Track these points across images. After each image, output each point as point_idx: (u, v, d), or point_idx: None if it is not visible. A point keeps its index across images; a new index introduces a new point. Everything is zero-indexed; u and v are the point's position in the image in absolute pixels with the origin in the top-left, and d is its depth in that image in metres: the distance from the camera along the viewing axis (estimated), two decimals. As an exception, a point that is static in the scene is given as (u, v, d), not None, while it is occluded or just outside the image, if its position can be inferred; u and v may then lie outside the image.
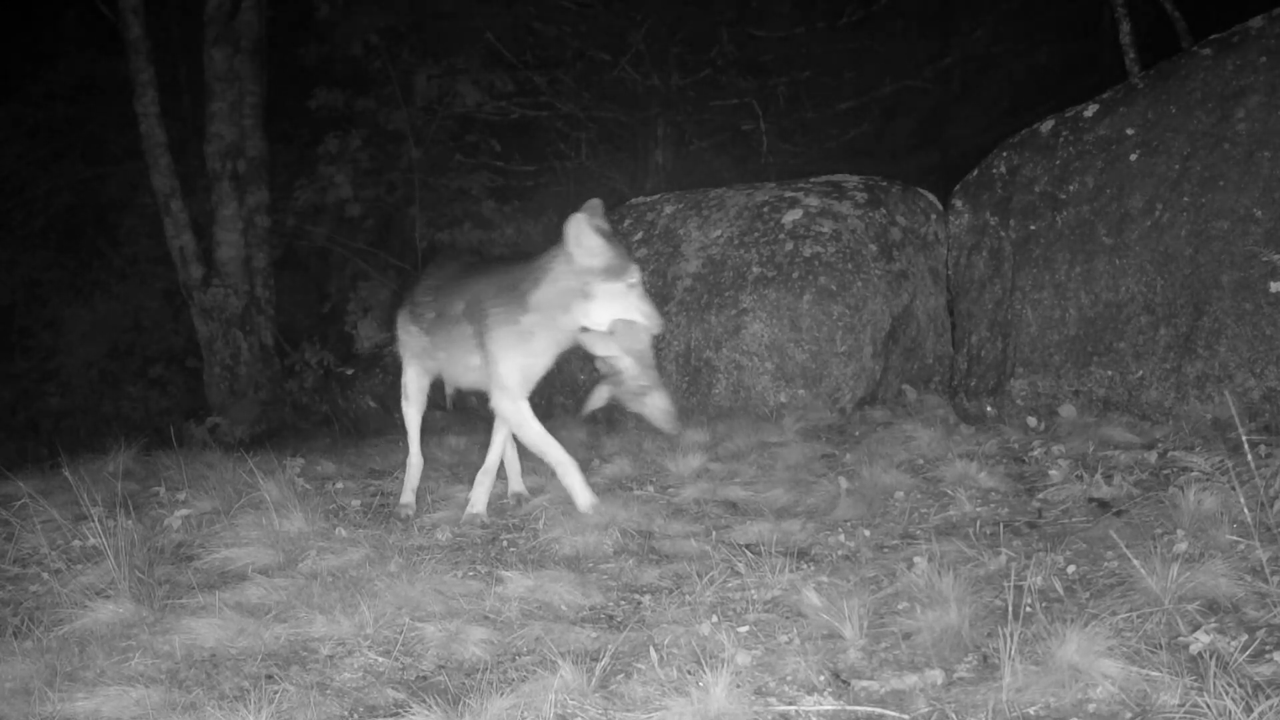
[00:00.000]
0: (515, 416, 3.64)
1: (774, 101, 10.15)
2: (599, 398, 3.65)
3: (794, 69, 10.17)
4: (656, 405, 3.54)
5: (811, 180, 5.64)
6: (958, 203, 5.03)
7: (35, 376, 11.77)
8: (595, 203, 3.54)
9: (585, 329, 3.49)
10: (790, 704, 2.22)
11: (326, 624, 2.73)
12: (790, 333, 4.93)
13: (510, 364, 3.56)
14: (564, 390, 5.42)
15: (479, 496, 3.80)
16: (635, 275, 3.43)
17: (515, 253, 5.16)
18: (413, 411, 4.09)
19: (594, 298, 3.40)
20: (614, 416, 5.23)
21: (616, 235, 3.62)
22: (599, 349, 3.50)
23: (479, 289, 3.64)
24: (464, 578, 3.05)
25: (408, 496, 3.96)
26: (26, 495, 3.83)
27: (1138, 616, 2.38)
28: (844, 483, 3.71)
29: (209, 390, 9.44)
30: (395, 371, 6.91)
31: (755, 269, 5.10)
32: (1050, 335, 4.40)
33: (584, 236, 3.35)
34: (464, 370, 3.79)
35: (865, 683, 2.30)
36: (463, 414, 6.41)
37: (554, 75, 10.18)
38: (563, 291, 3.43)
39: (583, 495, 3.57)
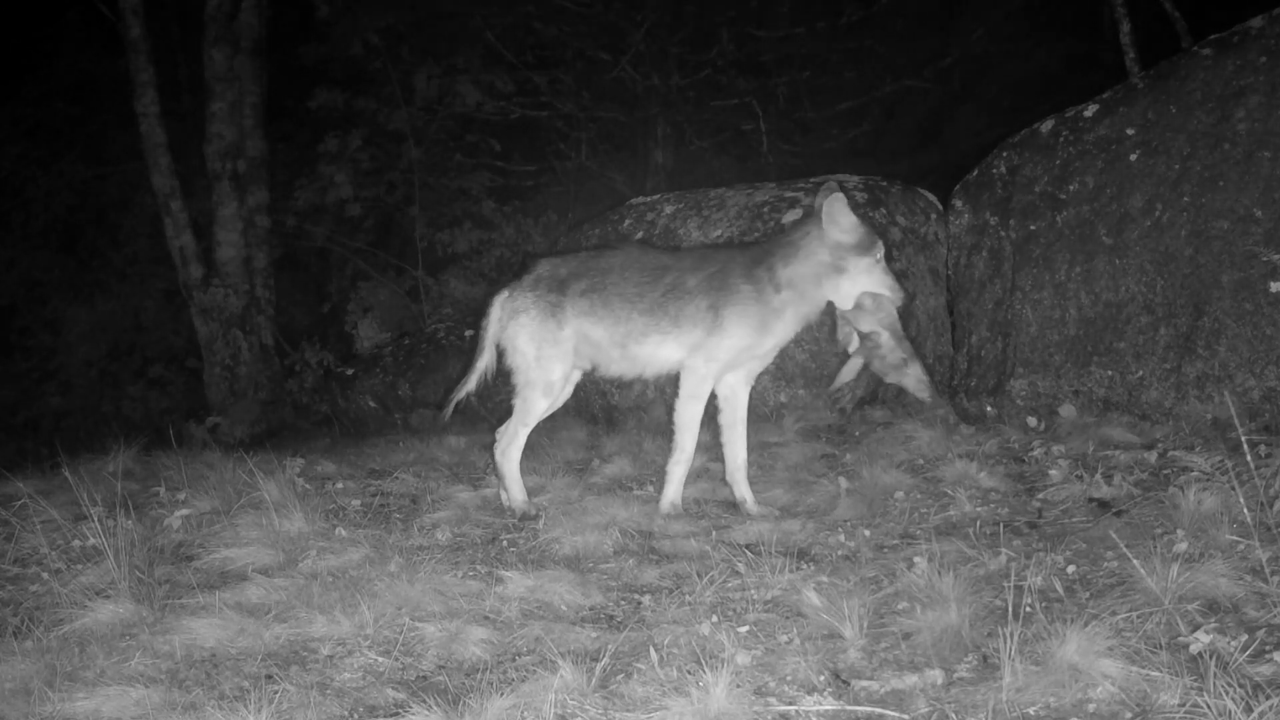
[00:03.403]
0: (700, 391, 3.61)
1: (774, 101, 10.15)
2: (850, 371, 3.77)
3: (794, 69, 10.18)
4: (916, 376, 3.67)
5: (811, 180, 5.64)
6: (958, 203, 5.03)
7: (35, 376, 11.78)
8: (832, 183, 3.65)
9: (844, 306, 3.57)
10: (790, 704, 2.22)
11: (326, 624, 2.73)
12: (790, 333, 4.92)
13: (739, 341, 3.55)
14: (564, 390, 5.41)
15: (744, 494, 3.69)
16: (881, 250, 3.54)
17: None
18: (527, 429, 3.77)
19: (846, 273, 3.50)
20: (614, 416, 5.23)
21: (863, 210, 3.69)
22: (863, 325, 3.60)
23: (717, 263, 3.59)
24: (464, 578, 3.05)
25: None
26: (26, 495, 3.83)
27: (1138, 616, 2.38)
28: (844, 483, 3.72)
29: (209, 390, 9.44)
30: (395, 371, 6.95)
31: (755, 269, 5.09)
32: (1050, 335, 4.40)
33: (841, 214, 3.45)
34: (621, 356, 3.67)
35: (865, 683, 2.30)
36: (463, 414, 6.41)
37: (554, 75, 10.19)
38: (817, 267, 3.50)
39: (675, 493, 3.65)
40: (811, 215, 3.58)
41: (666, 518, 3.58)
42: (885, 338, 3.61)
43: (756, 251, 3.64)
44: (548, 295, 3.67)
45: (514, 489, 3.76)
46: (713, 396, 3.71)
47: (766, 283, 3.52)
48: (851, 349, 3.74)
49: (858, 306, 3.57)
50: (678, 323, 3.57)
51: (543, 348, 3.66)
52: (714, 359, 3.57)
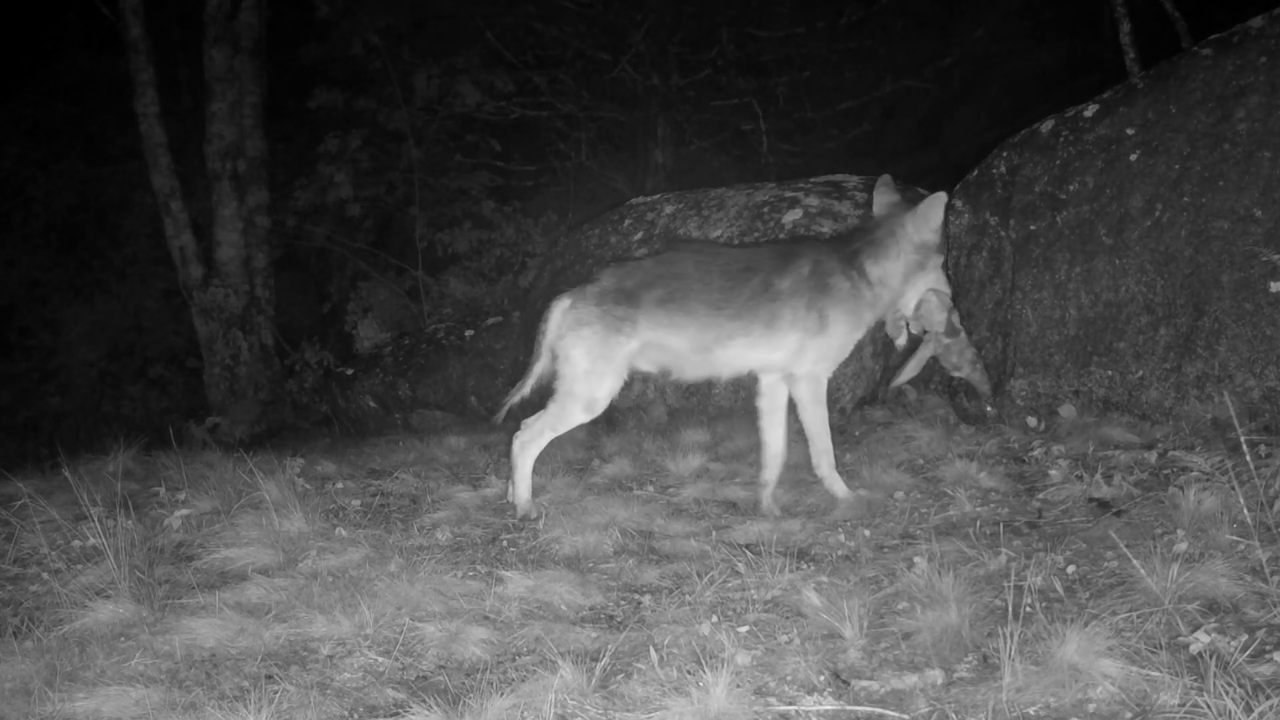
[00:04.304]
0: (822, 394, 3.68)
1: (774, 101, 10.15)
2: (916, 366, 3.91)
3: (794, 69, 10.17)
4: (982, 370, 3.84)
5: (811, 180, 5.64)
6: (958, 203, 5.02)
7: (35, 376, 11.79)
8: (888, 178, 3.77)
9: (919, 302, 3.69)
10: (790, 704, 2.22)
11: (326, 624, 2.73)
12: (790, 333, 4.92)
13: (845, 338, 3.61)
14: (564, 390, 5.41)
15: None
16: (947, 249, 3.72)
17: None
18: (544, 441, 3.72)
19: (926, 270, 3.63)
20: (614, 416, 5.23)
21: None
22: (957, 320, 3.74)
23: (806, 261, 3.59)
24: (464, 578, 3.05)
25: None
26: (26, 495, 3.83)
27: (1138, 616, 2.38)
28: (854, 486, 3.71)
29: (209, 390, 9.44)
30: (395, 371, 6.95)
31: (755, 269, 5.09)
32: (1050, 335, 4.40)
33: (937, 216, 3.55)
34: (702, 361, 3.63)
35: (865, 683, 2.30)
36: (465, 414, 6.41)
37: (554, 75, 10.19)
38: (906, 264, 3.59)
39: (840, 486, 3.68)
40: (890, 215, 3.64)
41: (847, 508, 3.57)
42: (964, 334, 3.77)
43: (842, 250, 3.64)
44: (615, 309, 3.58)
45: (522, 487, 3.74)
46: (755, 383, 3.76)
47: (860, 279, 3.57)
48: (900, 343, 3.82)
49: (922, 302, 3.67)
50: (771, 326, 3.55)
51: (598, 363, 3.58)
52: (825, 358, 3.62)
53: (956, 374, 3.84)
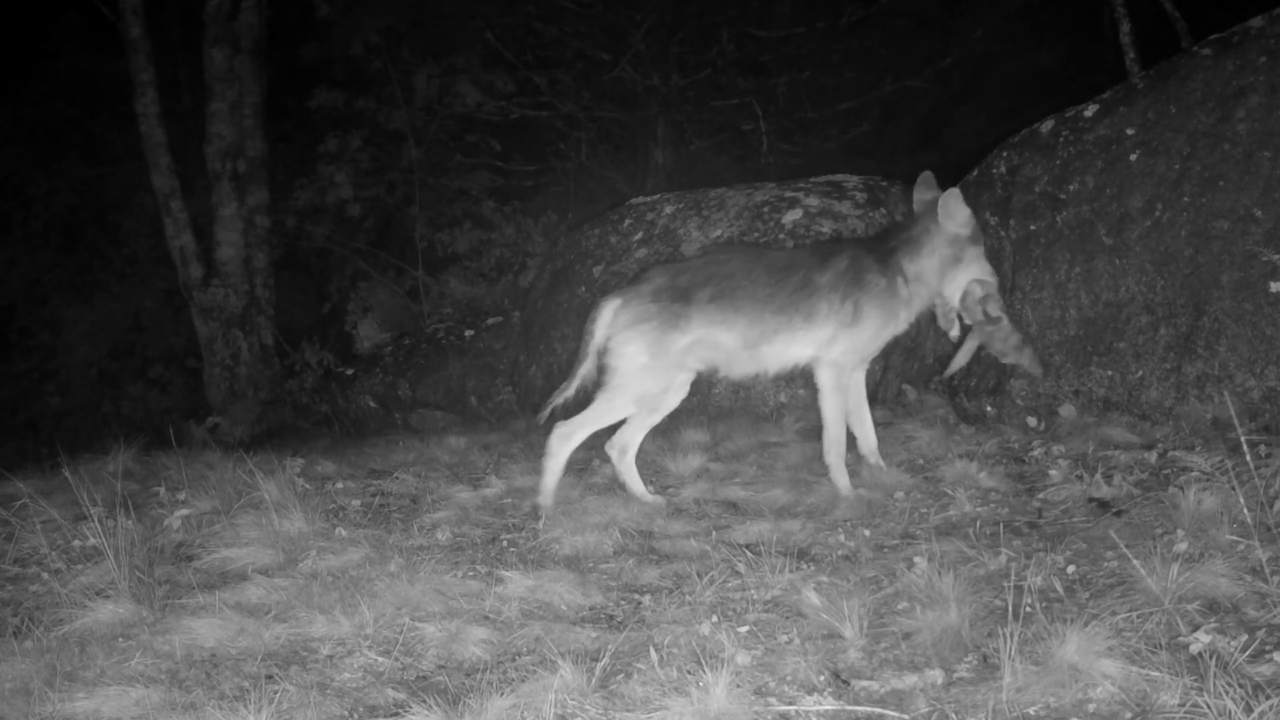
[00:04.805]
0: (843, 383, 3.75)
1: (774, 101, 10.15)
2: (966, 354, 3.96)
3: (794, 69, 10.17)
4: (1031, 354, 3.88)
5: (811, 180, 5.64)
6: (958, 203, 5.03)
7: (35, 376, 11.79)
8: (928, 175, 3.89)
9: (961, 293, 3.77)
10: (790, 704, 2.22)
11: (326, 624, 2.73)
12: (790, 333, 4.91)
13: (876, 332, 3.72)
14: (564, 390, 5.41)
15: (840, 480, 3.73)
16: (982, 238, 3.80)
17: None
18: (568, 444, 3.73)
19: (963, 262, 3.72)
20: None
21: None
22: (993, 309, 3.78)
23: (845, 259, 3.72)
24: (464, 578, 3.05)
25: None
26: (26, 495, 3.83)
27: (1138, 616, 2.38)
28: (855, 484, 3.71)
29: (209, 390, 9.44)
30: (395, 371, 6.96)
31: (755, 269, 5.09)
32: (1050, 335, 4.40)
33: (957, 209, 3.65)
34: (749, 357, 3.72)
35: (865, 683, 2.30)
36: (465, 414, 6.41)
37: (554, 75, 10.18)
38: (940, 259, 3.70)
39: (844, 481, 3.72)
40: (925, 212, 3.75)
41: (848, 506, 3.61)
42: (1005, 321, 3.80)
43: (878, 248, 3.77)
44: (671, 305, 3.65)
45: (550, 481, 3.74)
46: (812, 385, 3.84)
47: (897, 275, 3.68)
48: (954, 334, 3.90)
49: (966, 293, 3.75)
50: (810, 319, 3.65)
51: (657, 358, 3.64)
52: (854, 350, 3.71)
53: (1005, 360, 3.96)
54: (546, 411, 3.82)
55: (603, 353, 3.70)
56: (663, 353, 3.64)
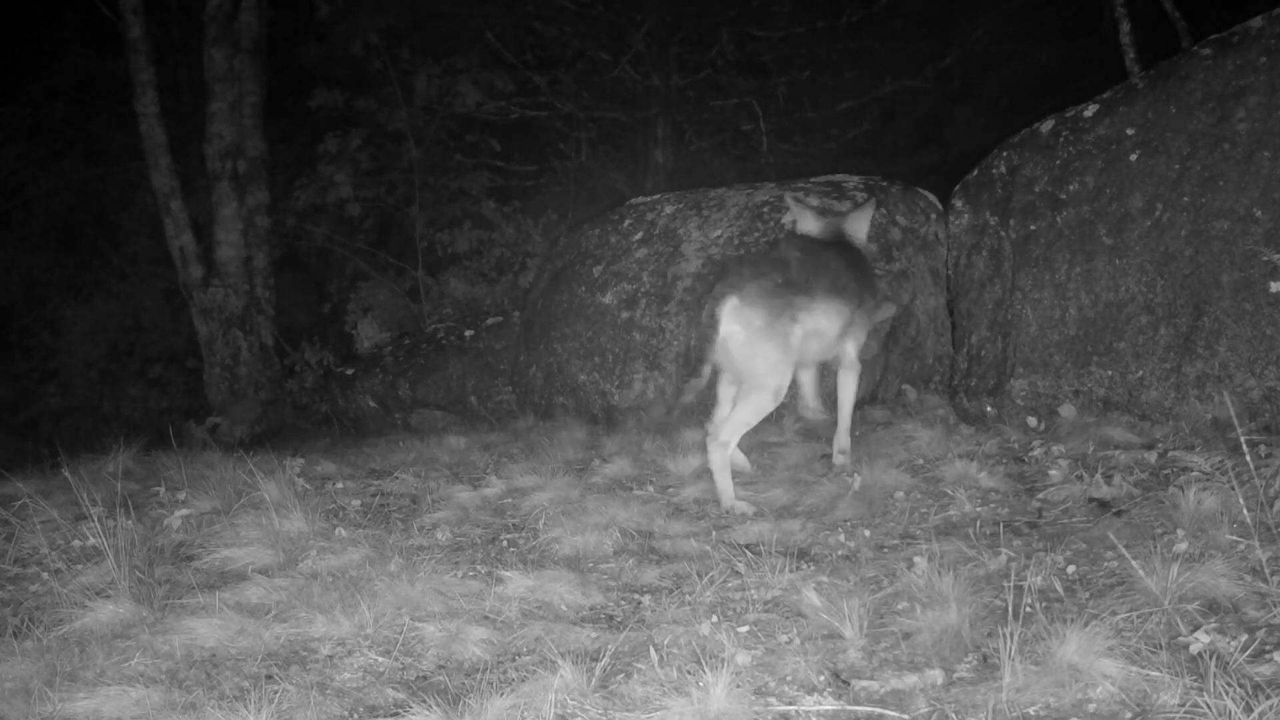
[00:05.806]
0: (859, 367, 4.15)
1: (774, 101, 10.15)
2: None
3: (794, 69, 10.17)
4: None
5: (811, 180, 5.64)
6: (958, 203, 5.03)
7: (35, 376, 11.79)
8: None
9: None
10: (790, 704, 2.22)
11: (326, 624, 2.73)
12: (790, 333, 4.91)
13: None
14: (563, 390, 5.41)
15: (838, 460, 4.04)
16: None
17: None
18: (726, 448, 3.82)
19: None
20: (614, 417, 5.23)
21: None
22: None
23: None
24: (464, 578, 3.05)
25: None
26: (26, 495, 3.83)
27: (1138, 616, 2.38)
28: (856, 480, 3.70)
29: (209, 390, 9.44)
30: (395, 371, 6.96)
31: (755, 269, 5.09)
32: (1050, 335, 4.40)
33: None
34: (834, 344, 3.97)
35: (865, 683, 2.30)
36: (465, 414, 6.41)
37: (554, 75, 10.18)
38: None
39: (843, 458, 4.01)
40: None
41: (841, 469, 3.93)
42: None
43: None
44: (795, 299, 3.75)
45: (725, 484, 3.75)
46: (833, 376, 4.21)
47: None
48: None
49: None
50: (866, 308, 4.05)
51: (785, 353, 3.72)
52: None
53: None
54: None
55: (722, 348, 3.73)
56: (787, 346, 3.73)
